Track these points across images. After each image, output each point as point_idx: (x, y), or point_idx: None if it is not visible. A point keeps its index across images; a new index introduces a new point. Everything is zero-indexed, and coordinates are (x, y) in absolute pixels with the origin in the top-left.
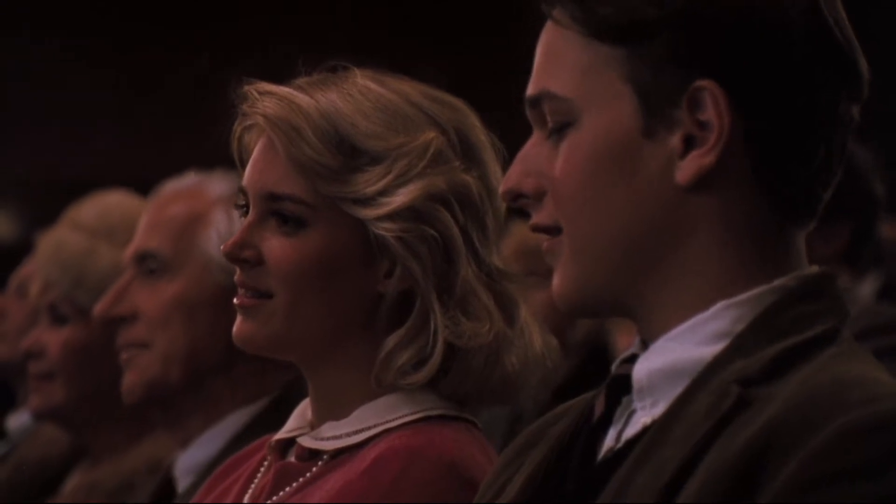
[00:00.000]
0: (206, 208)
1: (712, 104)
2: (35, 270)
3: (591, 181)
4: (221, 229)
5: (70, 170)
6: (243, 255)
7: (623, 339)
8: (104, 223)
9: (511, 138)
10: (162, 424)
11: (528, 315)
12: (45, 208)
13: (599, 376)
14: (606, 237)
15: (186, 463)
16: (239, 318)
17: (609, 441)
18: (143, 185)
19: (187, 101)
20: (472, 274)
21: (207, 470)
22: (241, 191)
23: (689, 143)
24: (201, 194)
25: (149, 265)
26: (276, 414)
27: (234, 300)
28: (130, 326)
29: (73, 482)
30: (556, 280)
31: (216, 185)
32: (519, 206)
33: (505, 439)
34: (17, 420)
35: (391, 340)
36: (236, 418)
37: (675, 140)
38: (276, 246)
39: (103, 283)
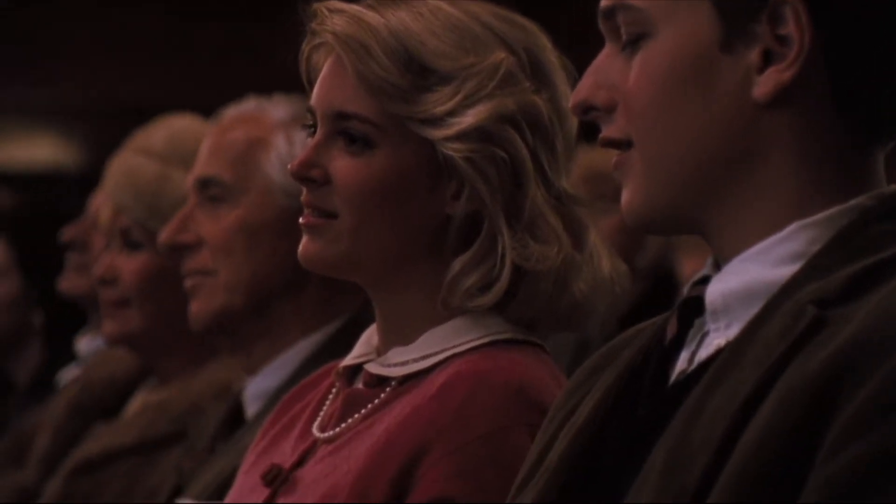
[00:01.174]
0: (266, 133)
1: (793, 18)
2: (105, 197)
3: (664, 94)
4: (282, 153)
5: (130, 96)
6: (310, 174)
7: (689, 266)
8: (176, 149)
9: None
10: (228, 351)
11: (597, 239)
12: (106, 136)
13: (666, 303)
14: (679, 152)
15: (255, 389)
16: (304, 238)
17: (681, 364)
18: (204, 111)
19: (245, 26)
20: (541, 197)
21: (276, 396)
22: (309, 110)
23: (767, 59)
24: (261, 119)
25: (211, 191)
26: (343, 340)
27: (300, 219)
28: (194, 254)
29: (136, 403)
30: (626, 195)
31: (276, 109)
32: (589, 120)
33: (571, 368)
34: (89, 344)
35: (458, 263)
36: (304, 345)
37: (754, 55)
38: (343, 166)
39: (177, 209)
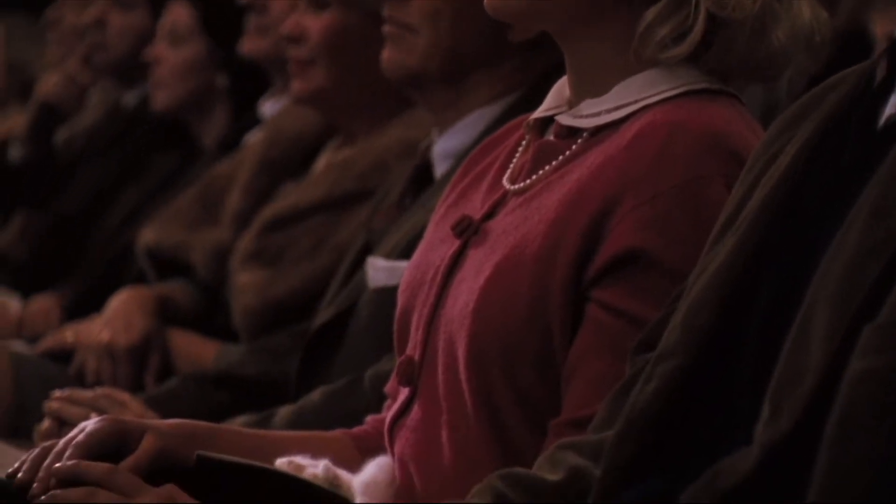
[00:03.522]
0: None
1: None
2: None
3: None
4: None
5: None
6: None
7: (883, 26)
8: None
9: None
10: (417, 102)
11: None
12: None
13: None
14: None
15: (443, 148)
16: None
17: (890, 108)
18: None
19: None
20: None
21: (464, 155)
22: None
23: None
24: None
25: None
26: (533, 99)
27: None
28: (403, 3)
29: (321, 162)
30: None
31: None
32: None
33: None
34: (273, 107)
35: (651, 13)
36: (494, 106)
37: None
38: None
39: None
